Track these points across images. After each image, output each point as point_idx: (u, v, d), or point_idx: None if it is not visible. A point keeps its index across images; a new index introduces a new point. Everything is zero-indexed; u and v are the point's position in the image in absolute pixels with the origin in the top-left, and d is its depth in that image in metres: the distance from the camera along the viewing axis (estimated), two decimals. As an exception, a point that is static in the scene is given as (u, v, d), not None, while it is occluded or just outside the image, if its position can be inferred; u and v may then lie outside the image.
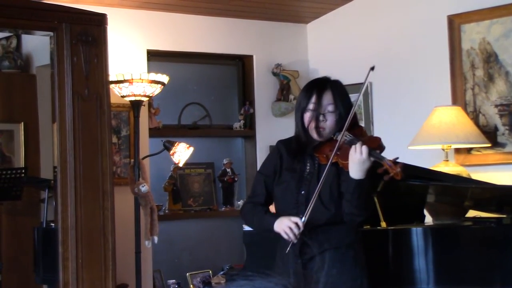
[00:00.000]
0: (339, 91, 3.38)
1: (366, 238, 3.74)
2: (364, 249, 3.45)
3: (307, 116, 3.34)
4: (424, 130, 5.11)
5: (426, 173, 4.25)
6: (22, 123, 5.76)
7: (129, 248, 5.19)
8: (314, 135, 3.34)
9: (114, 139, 5.38)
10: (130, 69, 5.28)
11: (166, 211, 5.83)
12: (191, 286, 5.69)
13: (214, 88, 6.31)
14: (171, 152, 5.31)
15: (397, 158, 3.23)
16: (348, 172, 3.23)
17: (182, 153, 5.30)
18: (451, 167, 5.04)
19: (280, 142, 3.50)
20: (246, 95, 6.29)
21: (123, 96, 5.22)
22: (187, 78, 6.16)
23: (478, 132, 5.09)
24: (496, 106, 5.31)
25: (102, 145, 4.62)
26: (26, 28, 4.76)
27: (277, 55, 6.25)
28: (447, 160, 5.13)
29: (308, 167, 3.37)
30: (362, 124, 5.98)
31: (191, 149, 5.35)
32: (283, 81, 6.22)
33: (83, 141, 4.56)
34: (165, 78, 5.27)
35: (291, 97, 6.18)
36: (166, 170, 5.87)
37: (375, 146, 3.26)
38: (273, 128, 6.08)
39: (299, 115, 3.38)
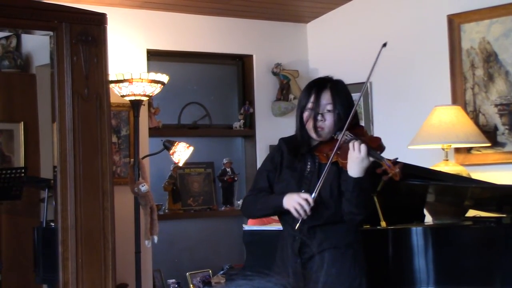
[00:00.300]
0: (339, 91, 3.37)
1: (366, 237, 3.74)
2: (364, 249, 3.45)
3: (306, 115, 3.35)
4: (424, 130, 5.11)
5: (426, 172, 4.25)
6: (22, 122, 5.75)
7: (129, 247, 5.19)
8: (313, 134, 3.34)
9: (114, 139, 5.38)
10: (130, 69, 5.28)
11: (166, 211, 5.83)
12: (191, 285, 5.69)
13: (214, 87, 6.31)
14: (171, 151, 5.31)
15: (397, 158, 3.23)
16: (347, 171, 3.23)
17: (182, 152, 5.30)
18: (451, 167, 5.04)
19: (282, 139, 3.50)
20: (246, 95, 6.29)
21: (123, 96, 5.22)
22: (187, 78, 6.16)
23: (478, 132, 5.09)
24: (496, 105, 5.31)
25: (102, 145, 4.62)
26: (26, 27, 4.76)
27: (277, 55, 6.25)
28: (447, 160, 5.14)
29: (308, 166, 3.38)
30: (362, 123, 5.98)
31: (191, 148, 5.35)
32: (283, 80, 6.22)
33: (83, 141, 4.56)
34: (165, 78, 5.27)
35: (291, 96, 6.18)
36: (166, 170, 5.87)
37: (375, 146, 3.26)
38: (273, 128, 6.08)
39: (298, 114, 3.39)
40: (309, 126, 3.34)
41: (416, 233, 4.03)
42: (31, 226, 5.27)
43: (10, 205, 5.64)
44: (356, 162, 3.18)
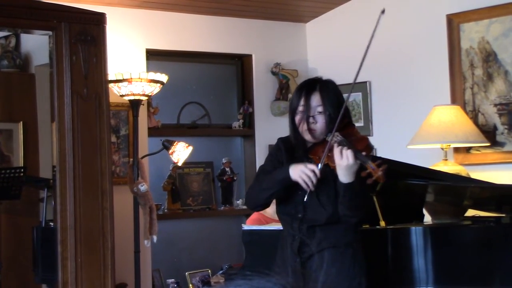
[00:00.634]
0: (329, 92, 3.35)
1: (365, 237, 3.74)
2: (363, 249, 3.45)
3: (297, 118, 3.35)
4: (423, 130, 5.11)
5: (425, 172, 4.25)
6: (21, 122, 5.75)
7: (128, 247, 5.19)
8: (306, 136, 3.34)
9: (113, 138, 5.38)
10: (129, 68, 5.28)
11: (165, 211, 5.83)
12: (190, 285, 5.69)
13: (213, 87, 6.31)
14: (170, 151, 5.31)
15: (381, 160, 3.21)
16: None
17: (181, 152, 5.30)
18: (450, 166, 5.04)
19: (280, 139, 3.50)
20: (245, 95, 6.29)
21: (122, 96, 5.22)
22: (186, 78, 6.16)
23: (477, 131, 5.09)
24: (495, 105, 5.31)
25: (101, 145, 4.62)
26: (25, 27, 4.75)
27: (276, 54, 6.25)
28: (446, 159, 5.14)
29: None
30: (361, 123, 5.99)
31: (190, 148, 5.35)
32: (282, 80, 6.22)
33: (82, 141, 4.56)
34: (164, 78, 5.27)
35: (290, 96, 6.17)
36: (165, 170, 5.87)
37: (362, 147, 3.24)
38: (272, 128, 6.08)
39: (290, 117, 3.39)
40: (302, 128, 3.34)
41: (416, 232, 4.03)
42: (30, 226, 5.26)
43: (9, 204, 5.63)
44: (344, 169, 3.18)
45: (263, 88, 6.23)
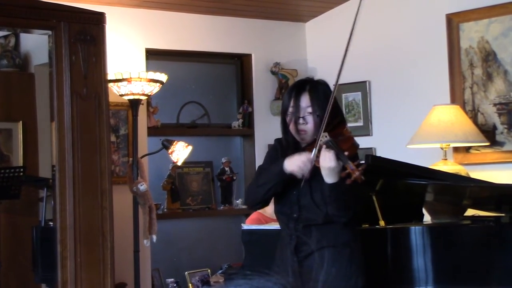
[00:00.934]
0: (318, 93, 3.35)
1: (365, 237, 3.74)
2: (362, 248, 3.45)
3: (288, 119, 3.36)
4: (423, 129, 5.11)
5: (425, 172, 4.25)
6: (21, 122, 5.74)
7: (128, 247, 5.19)
8: (297, 137, 3.35)
9: (113, 138, 5.38)
10: (128, 68, 5.28)
11: (165, 210, 5.83)
12: (190, 285, 5.69)
13: (212, 87, 6.31)
14: (170, 151, 5.31)
15: (360, 160, 3.23)
16: None
17: (180, 152, 5.30)
18: (449, 166, 5.04)
19: (278, 140, 3.52)
20: (244, 94, 6.29)
21: (121, 95, 5.22)
22: (185, 77, 6.16)
23: (476, 131, 5.09)
24: (495, 105, 5.31)
25: (101, 144, 4.62)
26: (25, 26, 4.76)
27: (275, 54, 6.25)
28: (446, 159, 5.14)
29: None
30: (361, 123, 5.99)
31: (190, 148, 5.35)
32: (282, 79, 6.22)
33: (81, 140, 4.56)
34: (163, 77, 5.27)
35: (289, 96, 6.17)
36: (164, 169, 5.86)
37: (347, 147, 3.25)
38: (271, 127, 6.06)
39: (281, 118, 3.40)
40: (292, 130, 3.35)
41: (415, 232, 4.03)
42: (30, 226, 5.26)
43: (8, 204, 5.63)
44: (327, 170, 3.20)
45: (262, 88, 6.23)
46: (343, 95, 6.03)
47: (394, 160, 4.22)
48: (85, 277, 4.54)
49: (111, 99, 4.91)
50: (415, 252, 4.01)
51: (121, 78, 5.12)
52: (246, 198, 3.61)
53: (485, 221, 4.25)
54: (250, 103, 6.21)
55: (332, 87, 3.40)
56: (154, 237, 5.21)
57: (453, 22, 5.49)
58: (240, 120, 6.19)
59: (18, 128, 5.73)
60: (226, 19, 6.05)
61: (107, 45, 4.69)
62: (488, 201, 4.49)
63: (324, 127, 3.23)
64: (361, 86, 5.97)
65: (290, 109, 3.36)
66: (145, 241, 5.20)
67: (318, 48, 6.36)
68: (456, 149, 5.41)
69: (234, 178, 6.10)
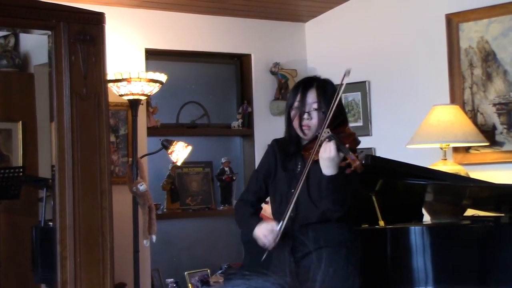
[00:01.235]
0: (325, 90, 3.38)
1: (364, 237, 3.75)
2: (361, 248, 3.45)
3: (292, 113, 3.38)
4: (422, 129, 5.11)
5: (425, 172, 4.25)
6: (20, 122, 5.74)
7: (127, 247, 5.19)
8: (300, 133, 3.37)
9: (112, 138, 5.38)
10: (128, 68, 5.28)
11: (164, 210, 5.83)
12: (189, 285, 5.69)
13: (212, 87, 6.31)
14: (169, 151, 5.30)
15: (360, 151, 3.26)
16: None
17: (180, 152, 5.30)
18: (449, 166, 5.03)
19: (275, 140, 3.53)
20: (244, 94, 6.28)
21: (121, 95, 5.22)
22: (185, 77, 6.16)
23: (476, 131, 5.09)
24: (494, 105, 5.31)
25: (100, 144, 4.62)
26: (24, 27, 4.75)
27: (275, 54, 6.24)
28: (445, 159, 5.13)
29: (299, 166, 3.40)
30: (361, 123, 5.99)
31: (189, 148, 5.35)
32: (281, 80, 6.22)
33: (81, 140, 4.56)
34: (163, 77, 5.27)
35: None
36: (164, 169, 5.86)
37: (349, 141, 3.27)
38: (271, 127, 6.07)
39: (286, 113, 3.43)
40: (296, 124, 3.37)
41: (415, 232, 4.03)
42: (30, 226, 5.26)
43: (8, 204, 5.63)
44: (326, 160, 3.21)
45: (262, 88, 6.23)
46: (343, 95, 6.01)
47: (393, 160, 4.23)
48: (84, 277, 4.54)
49: (111, 99, 4.91)
50: (414, 252, 4.01)
51: (120, 78, 5.11)
52: (235, 215, 3.66)
53: (485, 221, 4.25)
54: (250, 103, 6.21)
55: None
56: (154, 237, 5.21)
57: (453, 22, 5.48)
58: (240, 120, 6.19)
59: (18, 128, 5.73)
60: (225, 19, 6.05)
61: (106, 45, 4.69)
62: (488, 201, 4.50)
63: (327, 122, 3.24)
64: (361, 86, 5.96)
65: (296, 104, 3.38)
66: (144, 241, 5.20)
67: (317, 48, 6.36)
68: (455, 149, 5.41)
69: (234, 178, 6.10)
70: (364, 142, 5.75)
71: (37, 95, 5.72)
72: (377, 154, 5.73)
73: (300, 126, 3.36)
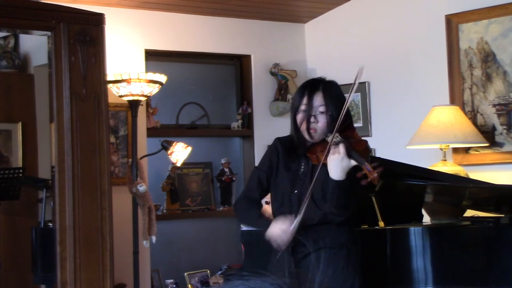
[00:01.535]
0: (331, 92, 3.36)
1: (364, 238, 3.74)
2: (361, 249, 3.44)
3: (299, 117, 3.36)
4: (422, 130, 5.11)
5: (424, 172, 4.25)
6: (20, 123, 5.74)
7: (127, 248, 5.19)
8: (306, 136, 3.35)
9: (112, 139, 5.38)
10: (128, 69, 5.28)
11: (164, 211, 5.83)
12: (189, 286, 5.69)
13: (212, 87, 6.31)
14: (169, 151, 5.31)
15: (378, 164, 3.21)
16: None
17: (180, 152, 5.30)
18: (449, 167, 5.04)
19: (278, 139, 3.51)
20: (244, 95, 6.29)
21: (121, 96, 5.22)
22: (185, 78, 6.16)
23: (476, 132, 5.09)
24: (494, 105, 5.31)
25: (100, 145, 4.62)
26: (24, 27, 4.75)
27: (275, 55, 6.25)
28: (445, 160, 5.14)
29: (302, 167, 3.39)
30: (360, 123, 5.99)
31: (189, 148, 5.35)
32: (281, 80, 6.22)
33: (81, 141, 4.56)
34: (163, 78, 5.27)
35: (289, 96, 6.17)
36: (164, 170, 5.87)
37: (360, 149, 3.25)
38: (271, 128, 6.07)
39: (292, 116, 3.40)
40: (303, 128, 3.35)
41: (414, 233, 4.03)
42: (29, 226, 5.26)
43: (8, 205, 5.63)
44: (335, 164, 3.19)
45: (262, 89, 6.23)
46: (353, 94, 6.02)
47: (393, 161, 4.22)
48: (84, 278, 4.54)
49: (111, 100, 4.91)
50: (414, 253, 4.01)
51: (120, 79, 5.12)
52: (235, 209, 3.63)
53: (485, 221, 4.25)
54: (250, 104, 6.21)
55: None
56: (154, 238, 5.22)
57: (453, 23, 5.49)
58: (240, 121, 6.19)
59: (18, 129, 5.73)
60: (225, 20, 6.06)
61: (106, 46, 4.69)
62: (488, 202, 4.50)
63: (338, 127, 3.22)
64: (361, 87, 5.96)
65: (302, 107, 3.35)
66: (144, 242, 5.20)
67: (317, 49, 6.36)
68: (455, 150, 5.41)
69: (234, 179, 6.10)
70: (364, 143, 5.76)
71: (37, 96, 5.72)
72: (377, 155, 5.73)
73: (308, 129, 3.34)
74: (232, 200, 6.12)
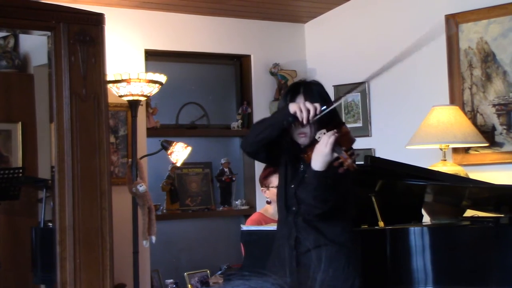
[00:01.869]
0: (312, 94, 3.35)
1: (364, 237, 3.74)
2: (361, 249, 3.44)
3: (285, 124, 3.35)
4: (422, 130, 5.11)
5: (424, 172, 4.25)
6: (20, 123, 5.74)
7: (127, 248, 5.19)
8: (299, 141, 3.35)
9: (112, 139, 5.38)
10: (128, 69, 5.28)
11: (164, 211, 5.83)
12: (189, 286, 5.69)
13: (212, 87, 6.31)
14: (169, 151, 5.30)
15: (353, 150, 3.20)
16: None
17: (179, 152, 5.30)
18: (449, 167, 5.04)
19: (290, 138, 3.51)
20: (244, 95, 6.29)
21: (120, 96, 5.22)
22: (185, 78, 6.16)
23: (476, 132, 5.09)
24: (494, 105, 5.31)
25: (100, 145, 4.62)
26: (24, 27, 4.75)
27: (275, 55, 6.25)
28: (445, 160, 5.14)
29: (302, 166, 3.39)
30: (360, 124, 5.99)
31: (189, 148, 5.35)
32: (281, 80, 6.22)
33: (80, 141, 4.56)
34: (162, 78, 5.27)
35: (289, 96, 6.16)
36: (164, 170, 5.86)
37: (344, 140, 3.24)
38: (271, 128, 6.06)
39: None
40: (293, 134, 3.35)
41: (414, 233, 4.03)
42: (29, 226, 5.26)
43: (8, 205, 5.63)
44: (319, 155, 3.18)
45: (261, 89, 6.23)
46: (346, 96, 6.02)
47: (393, 161, 4.23)
48: (84, 278, 4.54)
49: (110, 100, 4.91)
50: (414, 253, 4.01)
51: (120, 79, 5.12)
52: (244, 138, 3.56)
53: (485, 221, 4.25)
54: (249, 104, 6.21)
55: (325, 87, 3.43)
56: (154, 238, 5.21)
57: (452, 23, 5.48)
58: (239, 121, 6.19)
59: (18, 129, 5.73)
60: (225, 20, 6.06)
61: (106, 46, 4.69)
62: (487, 202, 4.50)
63: (323, 114, 3.22)
64: (360, 87, 5.96)
65: None
66: (144, 242, 5.20)
67: (317, 49, 6.36)
68: (455, 150, 5.41)
69: (234, 179, 6.10)
70: (364, 143, 5.77)
71: (36, 96, 5.72)
72: (377, 155, 5.73)
73: (297, 135, 3.35)
74: (232, 200, 6.12)
